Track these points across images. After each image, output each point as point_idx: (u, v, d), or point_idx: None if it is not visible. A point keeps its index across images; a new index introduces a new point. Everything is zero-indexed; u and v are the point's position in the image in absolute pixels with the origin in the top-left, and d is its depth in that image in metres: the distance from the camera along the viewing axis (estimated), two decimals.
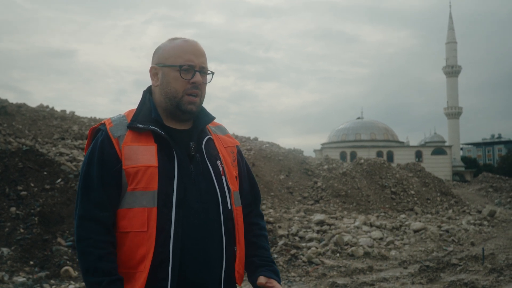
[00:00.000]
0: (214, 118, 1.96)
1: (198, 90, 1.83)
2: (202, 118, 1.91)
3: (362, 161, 22.21)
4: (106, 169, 1.73)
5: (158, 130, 1.77)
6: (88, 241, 1.68)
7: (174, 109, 1.83)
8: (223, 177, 1.86)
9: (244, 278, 1.97)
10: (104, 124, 1.82)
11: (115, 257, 1.70)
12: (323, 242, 10.61)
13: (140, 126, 1.77)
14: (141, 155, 1.73)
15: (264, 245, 1.98)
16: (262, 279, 1.85)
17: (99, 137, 1.79)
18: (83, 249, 1.68)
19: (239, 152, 2.03)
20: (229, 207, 1.84)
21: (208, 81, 1.88)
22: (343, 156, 57.96)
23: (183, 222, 1.72)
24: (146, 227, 1.68)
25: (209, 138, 1.91)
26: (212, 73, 1.88)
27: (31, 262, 7.20)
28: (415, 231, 13.02)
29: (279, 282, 1.89)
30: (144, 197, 1.70)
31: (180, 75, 1.80)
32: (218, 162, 1.87)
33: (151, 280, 1.67)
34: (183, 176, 1.76)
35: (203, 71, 1.84)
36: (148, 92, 1.92)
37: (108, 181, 1.73)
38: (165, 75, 1.82)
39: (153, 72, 1.87)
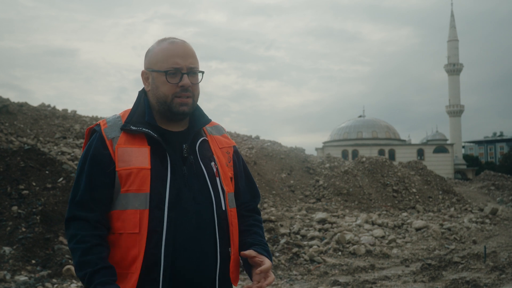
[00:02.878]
0: (210, 120, 1.96)
1: (188, 92, 1.81)
2: (198, 120, 1.91)
3: (364, 159, 22.21)
4: (98, 170, 1.74)
5: (151, 132, 1.77)
6: (75, 238, 1.69)
7: (166, 112, 1.83)
8: (217, 178, 1.85)
9: (240, 278, 1.97)
10: (99, 125, 1.82)
11: (102, 248, 1.69)
12: (325, 241, 10.61)
13: (134, 128, 1.77)
14: (134, 157, 1.73)
15: (257, 231, 1.96)
16: (252, 252, 1.82)
17: (94, 138, 1.80)
18: (72, 247, 1.70)
19: (235, 152, 2.02)
20: (223, 208, 1.84)
21: (198, 80, 1.85)
22: (344, 154, 57.89)
23: (176, 224, 1.72)
24: (138, 228, 1.69)
25: (204, 139, 1.91)
26: (202, 72, 1.86)
27: (33, 261, 7.21)
28: (417, 229, 13.01)
29: (270, 260, 1.86)
30: (137, 199, 1.70)
31: (166, 79, 1.79)
32: (212, 163, 1.87)
33: (143, 282, 1.68)
34: (176, 178, 1.76)
35: (192, 71, 1.82)
36: (143, 93, 1.91)
37: (98, 182, 1.73)
38: (154, 80, 1.82)
39: (145, 77, 1.88)
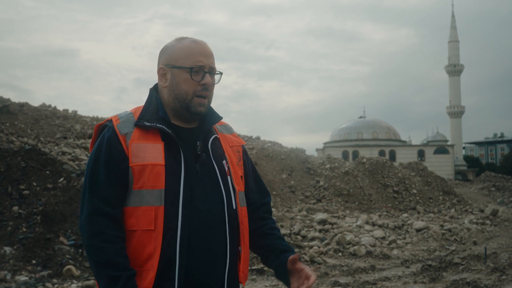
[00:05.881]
0: (221, 118, 1.95)
1: (207, 91, 1.82)
2: (209, 117, 1.90)
3: (364, 160, 22.20)
4: (113, 166, 1.72)
5: (166, 128, 1.76)
6: (103, 236, 1.67)
7: (182, 110, 1.82)
8: (229, 177, 1.85)
9: (248, 278, 1.97)
10: (111, 121, 1.80)
11: (126, 252, 1.70)
12: (325, 241, 10.61)
13: (148, 124, 1.76)
14: (149, 153, 1.72)
15: (282, 236, 1.99)
16: (300, 265, 1.81)
17: (105, 134, 1.78)
18: (98, 244, 1.66)
19: (244, 151, 2.02)
20: (234, 207, 1.83)
21: (216, 81, 1.88)
22: (345, 155, 57.83)
23: (189, 222, 1.72)
24: (153, 225, 1.68)
25: (216, 137, 1.91)
26: (221, 73, 1.88)
27: (34, 261, 7.21)
28: (418, 230, 13.01)
29: None
30: (151, 196, 1.69)
31: (190, 77, 1.79)
32: (224, 161, 1.87)
33: (158, 279, 1.67)
34: (189, 176, 1.75)
35: (212, 72, 1.84)
36: (155, 90, 1.91)
37: (115, 178, 1.71)
38: (175, 77, 1.81)
39: (162, 73, 1.86)
